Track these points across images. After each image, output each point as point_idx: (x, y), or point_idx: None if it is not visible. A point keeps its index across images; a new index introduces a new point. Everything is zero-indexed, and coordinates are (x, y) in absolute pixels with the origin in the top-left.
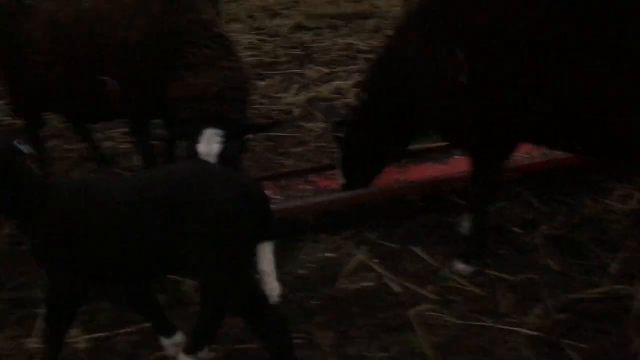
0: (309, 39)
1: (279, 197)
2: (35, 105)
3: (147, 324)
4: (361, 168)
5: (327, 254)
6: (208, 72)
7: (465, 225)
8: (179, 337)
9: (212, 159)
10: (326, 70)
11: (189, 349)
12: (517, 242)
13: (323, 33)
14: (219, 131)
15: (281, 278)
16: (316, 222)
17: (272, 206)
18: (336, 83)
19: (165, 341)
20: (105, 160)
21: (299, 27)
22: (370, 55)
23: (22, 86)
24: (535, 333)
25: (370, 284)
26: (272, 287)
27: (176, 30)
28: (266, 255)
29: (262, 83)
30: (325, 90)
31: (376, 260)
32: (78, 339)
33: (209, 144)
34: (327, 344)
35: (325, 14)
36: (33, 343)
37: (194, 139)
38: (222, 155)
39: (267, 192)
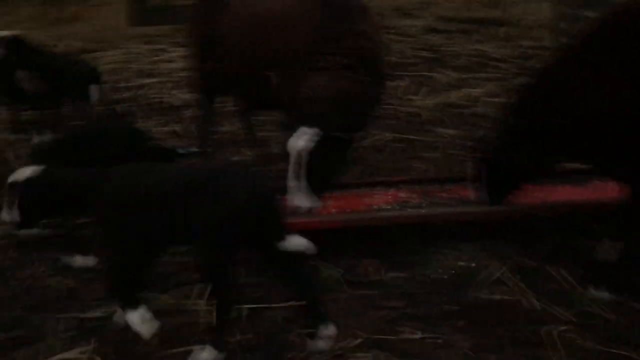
0: (438, 42)
1: (420, 202)
2: (214, 88)
3: (297, 302)
4: (502, 186)
5: (465, 263)
6: (330, 79)
7: (604, 251)
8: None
9: (294, 153)
10: (455, 75)
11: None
12: None
13: (454, 37)
14: (311, 130)
15: (419, 280)
16: (456, 231)
17: (413, 211)
18: (466, 90)
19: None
20: (258, 144)
21: (430, 29)
22: (501, 64)
23: (207, 70)
24: None
25: (507, 297)
26: None
27: (327, 38)
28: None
29: (390, 84)
30: (454, 96)
31: (513, 275)
32: (239, 307)
33: (296, 139)
34: (466, 347)
35: (456, 17)
36: (191, 305)
37: (289, 133)
38: (307, 153)
39: (410, 195)
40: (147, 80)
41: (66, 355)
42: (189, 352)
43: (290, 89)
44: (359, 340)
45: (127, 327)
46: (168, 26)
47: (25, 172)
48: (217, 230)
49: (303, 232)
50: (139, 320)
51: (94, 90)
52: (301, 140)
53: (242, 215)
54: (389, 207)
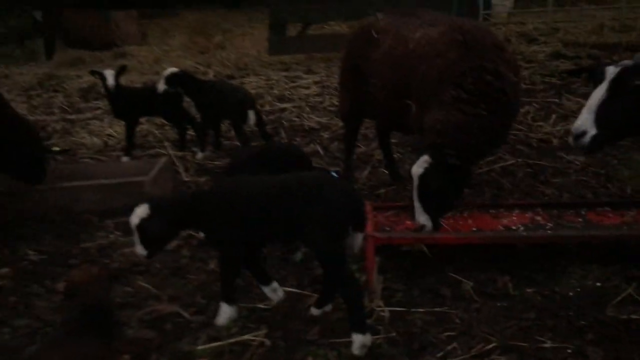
0: (567, 68)
1: (550, 224)
2: (359, 113)
3: (437, 309)
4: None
5: (592, 282)
6: (446, 112)
7: None
8: (275, 284)
9: (414, 179)
10: (585, 103)
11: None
12: None
13: (582, 63)
14: (427, 159)
15: (548, 295)
16: (585, 252)
17: (544, 232)
18: None
19: (264, 289)
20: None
21: (557, 55)
22: None
23: (355, 99)
24: None
25: (635, 316)
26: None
27: (456, 73)
28: (358, 241)
29: (519, 109)
30: None
31: None
32: (382, 309)
33: (416, 167)
34: (598, 358)
35: (586, 43)
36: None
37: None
38: (422, 180)
39: (544, 218)
40: (287, 105)
41: (243, 337)
42: (346, 343)
43: (420, 119)
44: (493, 345)
45: (294, 317)
46: (301, 55)
47: (139, 213)
48: (327, 225)
49: (447, 246)
50: (227, 314)
51: (251, 114)
52: (416, 166)
53: (343, 211)
54: (522, 227)
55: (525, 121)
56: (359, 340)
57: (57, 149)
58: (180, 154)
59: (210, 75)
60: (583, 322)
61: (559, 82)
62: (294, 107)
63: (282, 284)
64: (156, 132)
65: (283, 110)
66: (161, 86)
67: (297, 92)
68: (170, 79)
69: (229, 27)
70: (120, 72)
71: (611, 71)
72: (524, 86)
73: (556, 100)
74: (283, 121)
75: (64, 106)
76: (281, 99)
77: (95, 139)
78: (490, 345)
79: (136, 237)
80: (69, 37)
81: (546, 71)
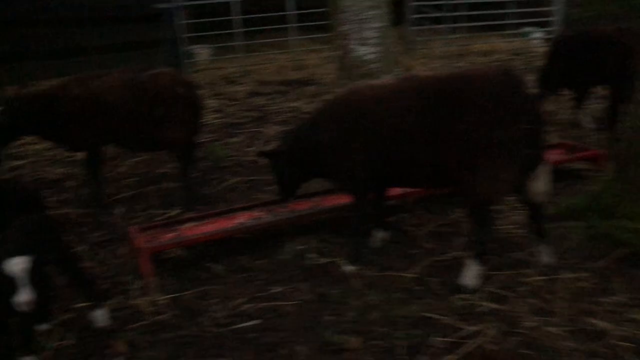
0: (263, 103)
1: (270, 215)
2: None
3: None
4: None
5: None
6: None
7: None
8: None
9: None
10: (279, 128)
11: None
12: None
13: (274, 97)
14: None
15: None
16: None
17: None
18: None
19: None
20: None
21: (254, 93)
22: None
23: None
24: None
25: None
26: None
27: None
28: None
29: (232, 140)
30: None
31: None
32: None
33: None
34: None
35: (274, 80)
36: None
37: None
38: None
39: (260, 214)
40: None
41: None
42: None
43: None
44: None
45: None
46: None
47: None
48: None
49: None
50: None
51: None
52: None
53: None
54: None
55: (240, 148)
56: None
57: None
58: None
59: None
60: None
61: (258, 115)
62: None
63: None
64: None
65: None
66: None
67: None
68: None
69: None
70: None
71: None
72: (232, 120)
73: (260, 129)
74: None
75: None
76: None
77: None
78: None
79: None
80: None
81: (247, 107)
